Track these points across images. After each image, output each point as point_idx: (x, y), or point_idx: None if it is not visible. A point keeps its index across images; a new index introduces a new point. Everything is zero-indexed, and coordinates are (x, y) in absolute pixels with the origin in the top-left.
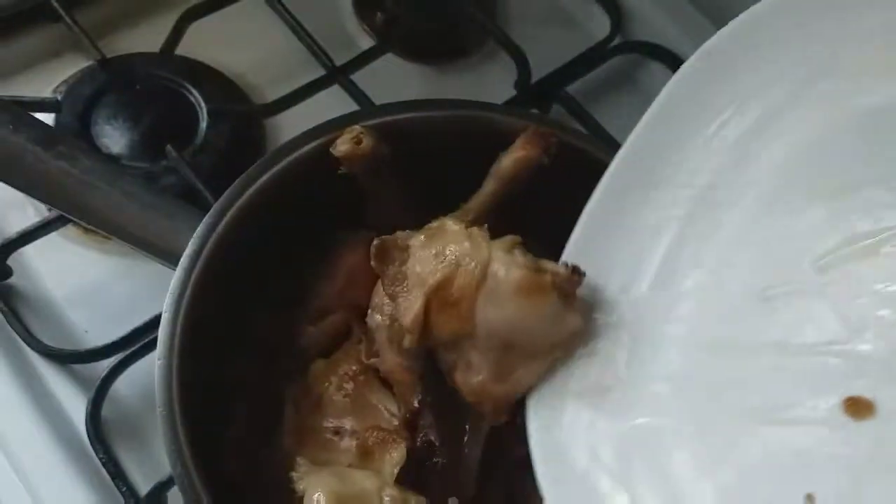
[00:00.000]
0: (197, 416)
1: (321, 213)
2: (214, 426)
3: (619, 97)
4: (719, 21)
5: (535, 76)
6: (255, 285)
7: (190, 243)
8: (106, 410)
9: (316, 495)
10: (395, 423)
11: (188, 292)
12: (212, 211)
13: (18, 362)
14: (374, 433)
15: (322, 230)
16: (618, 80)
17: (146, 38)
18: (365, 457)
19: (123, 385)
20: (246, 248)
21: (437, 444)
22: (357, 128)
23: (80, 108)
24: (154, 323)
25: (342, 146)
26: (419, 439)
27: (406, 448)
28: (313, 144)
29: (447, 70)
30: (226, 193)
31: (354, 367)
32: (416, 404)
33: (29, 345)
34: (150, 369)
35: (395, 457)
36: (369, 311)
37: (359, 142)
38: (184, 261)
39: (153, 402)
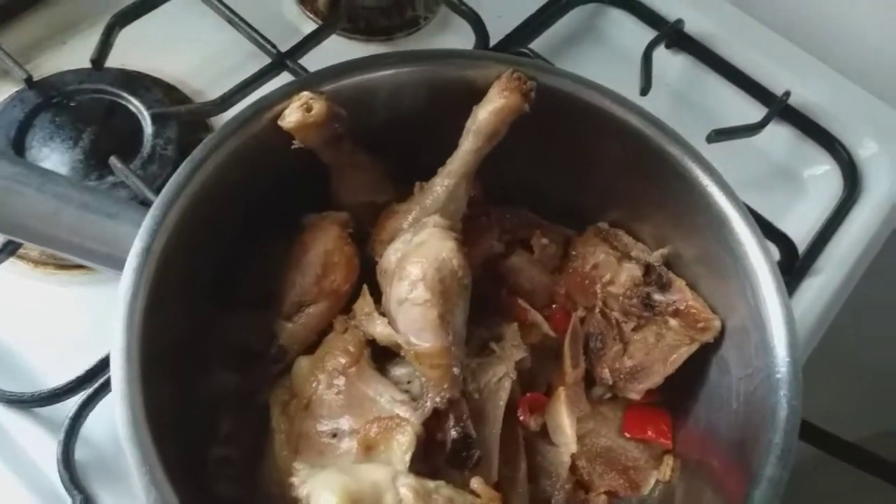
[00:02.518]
0: (172, 437)
1: (282, 195)
2: (197, 447)
3: (583, 48)
4: None
5: (493, 38)
6: (219, 284)
7: (136, 240)
8: (78, 452)
9: (325, 497)
10: (397, 409)
11: (141, 295)
12: (157, 202)
13: None
14: (375, 424)
15: (285, 215)
16: (579, 31)
17: (75, 55)
18: (369, 451)
19: (94, 422)
20: (202, 241)
21: (474, 436)
22: (306, 94)
23: (13, 133)
24: None
25: (291, 116)
26: (455, 431)
27: (414, 431)
28: (262, 119)
29: (401, 44)
30: (170, 182)
31: (343, 360)
32: (457, 393)
33: None
34: None
35: (403, 442)
36: (378, 256)
37: (309, 109)
38: (131, 260)
39: None
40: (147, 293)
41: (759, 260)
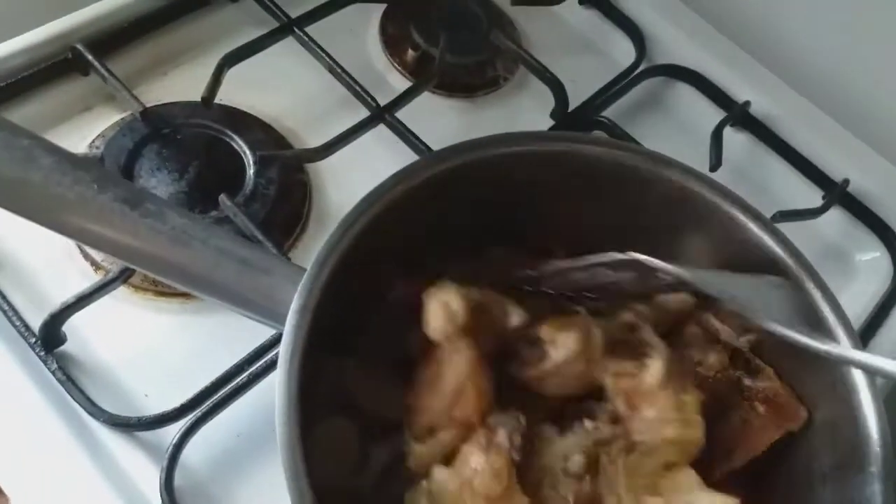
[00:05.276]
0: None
1: (424, 256)
2: None
3: (650, 118)
4: (739, 39)
5: (570, 104)
6: (358, 347)
7: (296, 297)
8: (177, 478)
9: None
10: None
11: (300, 351)
12: (314, 262)
13: (82, 434)
14: None
15: (425, 275)
16: (647, 101)
17: (175, 87)
18: None
19: (191, 450)
20: (342, 298)
21: None
22: (438, 298)
23: (122, 160)
24: (221, 382)
25: (434, 323)
26: None
27: None
28: (399, 188)
29: (480, 102)
30: (325, 243)
31: (496, 487)
32: None
33: (93, 415)
34: (219, 431)
35: None
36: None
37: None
38: (291, 317)
39: (225, 467)
40: (302, 350)
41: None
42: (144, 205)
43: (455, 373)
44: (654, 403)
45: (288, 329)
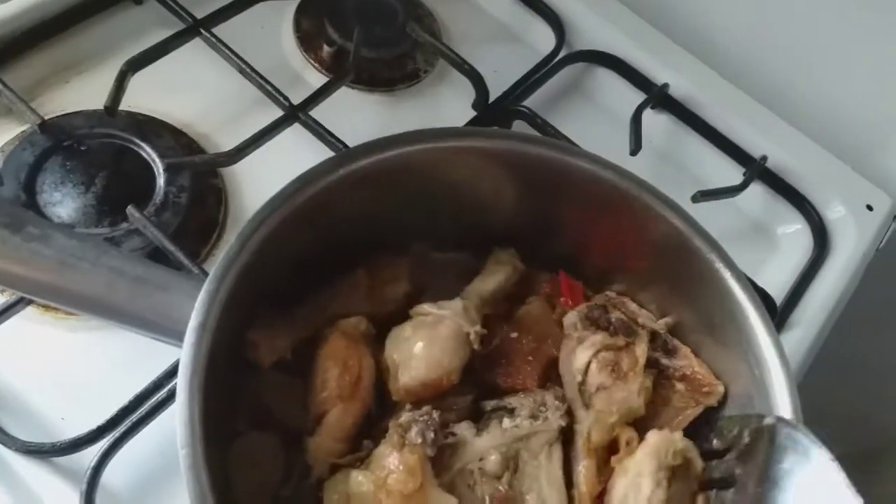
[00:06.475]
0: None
1: (316, 262)
2: None
3: (571, 104)
4: (659, 24)
5: (491, 94)
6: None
7: (194, 314)
8: (98, 503)
9: None
10: None
11: (201, 370)
12: (211, 277)
13: None
14: None
15: (324, 278)
16: (568, 88)
17: (78, 95)
18: None
19: (111, 472)
20: (246, 312)
21: None
22: None
23: (23, 176)
24: (140, 399)
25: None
26: None
27: None
28: (304, 194)
29: (400, 96)
30: (223, 256)
31: (410, 484)
32: None
33: (4, 444)
34: (142, 450)
35: None
36: None
37: None
38: (190, 335)
39: (149, 487)
40: (204, 367)
41: (761, 331)
42: (27, 228)
43: (315, 364)
44: (633, 381)
45: (186, 348)
